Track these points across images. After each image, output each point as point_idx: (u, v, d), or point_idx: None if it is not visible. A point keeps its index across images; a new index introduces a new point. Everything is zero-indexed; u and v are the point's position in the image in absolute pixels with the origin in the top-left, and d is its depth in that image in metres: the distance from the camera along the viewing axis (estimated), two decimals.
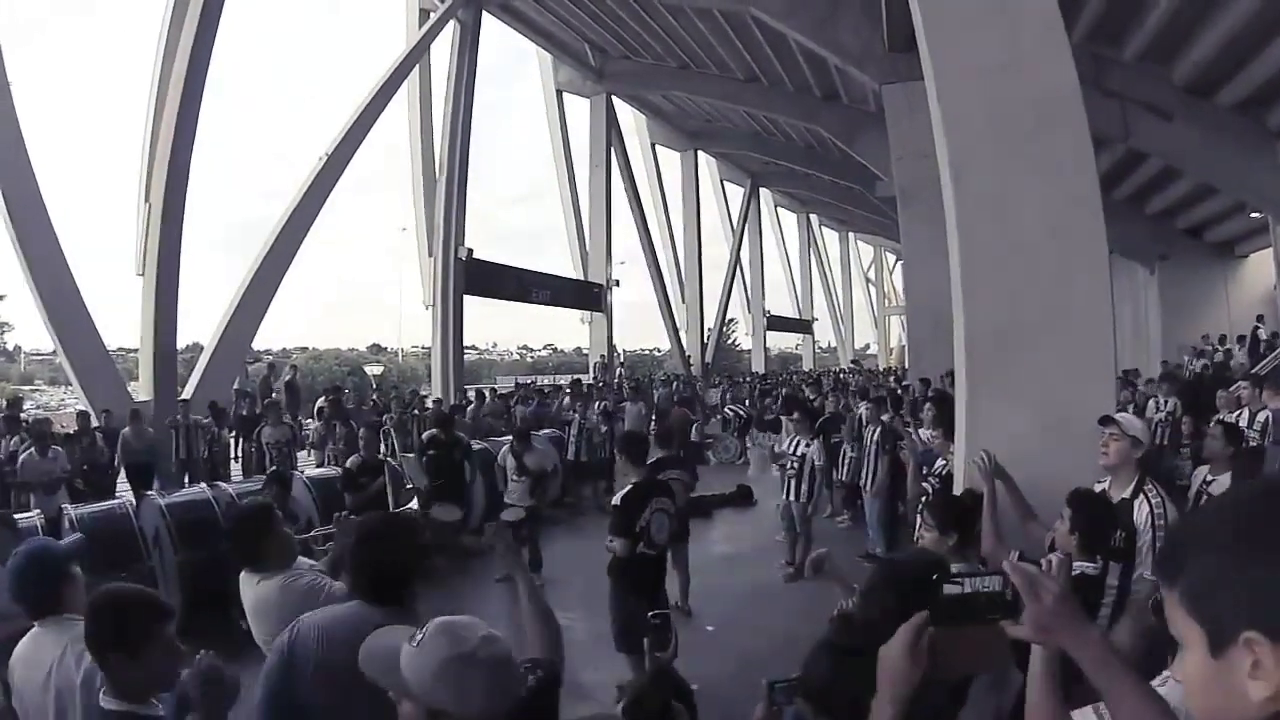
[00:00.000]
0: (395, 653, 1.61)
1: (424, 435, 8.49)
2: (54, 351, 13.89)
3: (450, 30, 19.80)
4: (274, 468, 8.54)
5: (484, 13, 20.43)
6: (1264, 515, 0.87)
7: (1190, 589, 0.90)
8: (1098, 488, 3.67)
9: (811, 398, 15.76)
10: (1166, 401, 9.89)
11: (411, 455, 8.70)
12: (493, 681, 1.58)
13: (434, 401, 14.98)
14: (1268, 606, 0.81)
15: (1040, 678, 1.33)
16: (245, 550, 3.07)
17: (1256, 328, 17.12)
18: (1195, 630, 0.88)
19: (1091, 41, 12.76)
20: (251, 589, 3.00)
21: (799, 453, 7.99)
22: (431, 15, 18.94)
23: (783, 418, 10.80)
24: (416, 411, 13.71)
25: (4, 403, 12.40)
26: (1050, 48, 4.53)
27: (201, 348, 15.91)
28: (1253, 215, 16.32)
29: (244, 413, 12.92)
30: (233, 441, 12.41)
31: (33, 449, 8.70)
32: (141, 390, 13.66)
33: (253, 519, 3.18)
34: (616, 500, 5.14)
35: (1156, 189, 18.68)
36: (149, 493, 7.93)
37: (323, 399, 12.70)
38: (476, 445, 10.31)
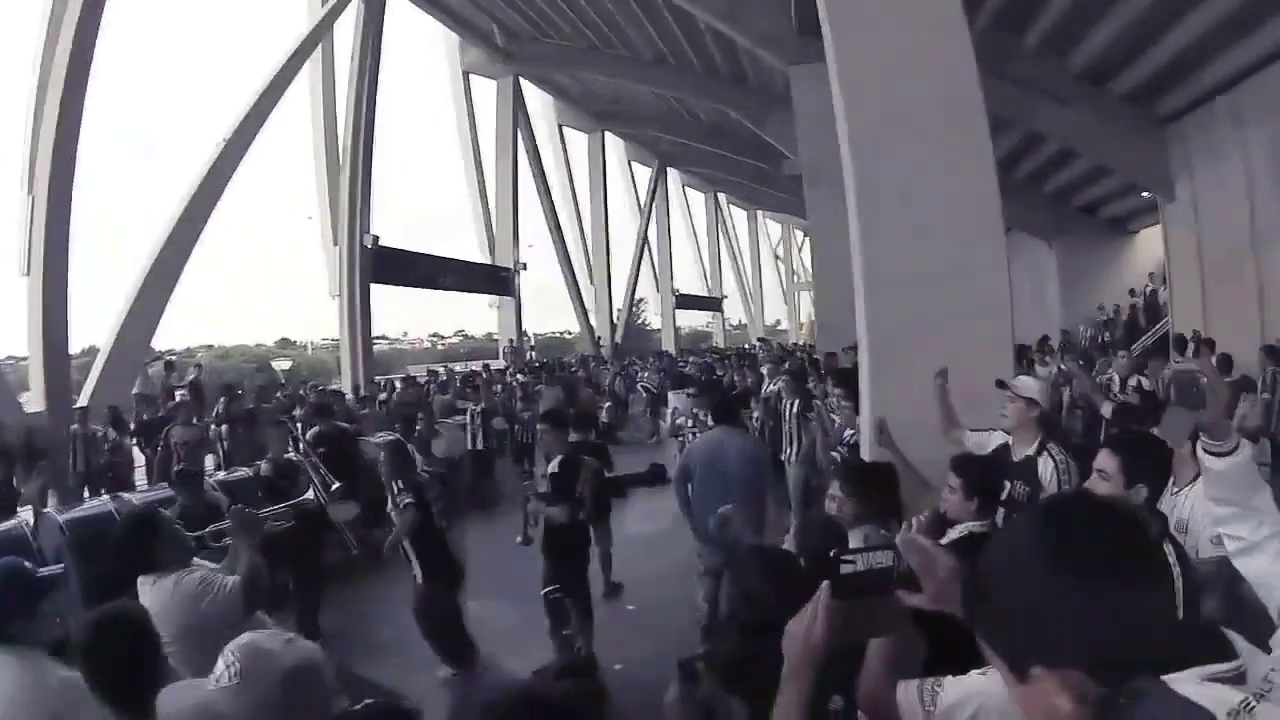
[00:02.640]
0: (206, 703, 1.63)
1: (308, 434, 8.20)
2: None
3: (354, 9, 19.16)
4: (179, 467, 8.14)
5: None
6: (1019, 560, 0.96)
7: (982, 631, 1.00)
8: (993, 442, 3.88)
9: (720, 374, 16.09)
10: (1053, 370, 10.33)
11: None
12: (319, 682, 1.68)
13: (332, 392, 14.69)
14: (1038, 642, 0.91)
15: (882, 643, 1.39)
16: (136, 555, 3.05)
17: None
18: (1000, 662, 0.98)
19: (994, 30, 13.25)
20: (148, 591, 2.98)
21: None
22: None
23: (670, 393, 10.98)
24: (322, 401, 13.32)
25: None
26: (950, 35, 4.71)
27: (99, 351, 15.09)
28: (1143, 195, 17.28)
29: (145, 417, 12.34)
30: (135, 449, 11.82)
31: None
32: (34, 400, 12.88)
33: (140, 523, 3.21)
34: (554, 468, 5.47)
35: (1054, 170, 19.63)
36: (46, 510, 7.51)
37: (220, 402, 12.20)
38: (389, 436, 10.10)
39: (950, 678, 1.30)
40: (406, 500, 5.20)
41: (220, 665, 1.62)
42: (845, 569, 1.24)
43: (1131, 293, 20.18)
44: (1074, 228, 21.76)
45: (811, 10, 5.41)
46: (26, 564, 2.65)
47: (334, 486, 7.23)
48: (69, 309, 13.20)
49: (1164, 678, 0.86)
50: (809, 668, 1.27)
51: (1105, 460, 2.70)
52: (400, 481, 5.37)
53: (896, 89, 4.73)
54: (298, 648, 1.70)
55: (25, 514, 7.82)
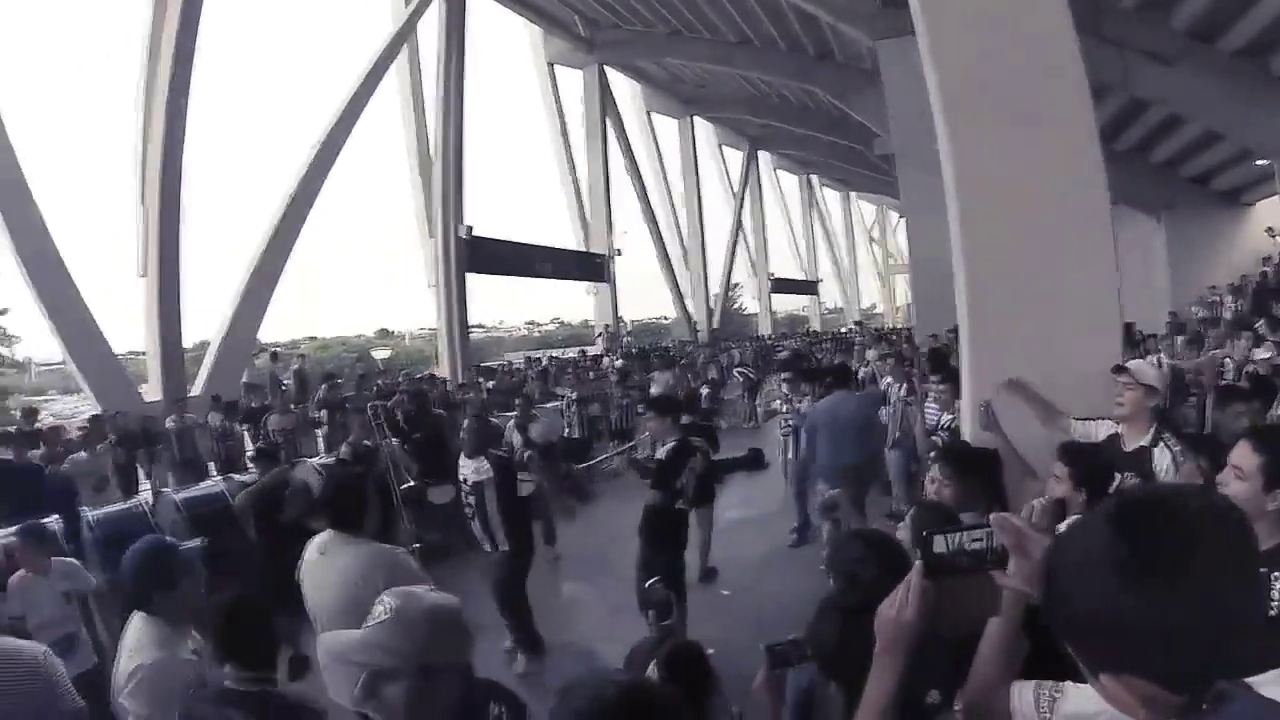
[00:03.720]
0: (362, 641, 1.84)
1: (401, 419, 8.36)
2: (63, 360, 14.02)
3: (436, 9, 19.59)
4: (258, 445, 8.50)
5: None
6: (1086, 564, 0.91)
7: (1056, 629, 0.95)
8: (1101, 432, 3.65)
9: (818, 359, 15.83)
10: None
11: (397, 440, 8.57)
12: (463, 628, 1.89)
13: (421, 379, 15.15)
14: (1104, 650, 0.87)
15: (998, 632, 1.33)
16: (346, 515, 3.31)
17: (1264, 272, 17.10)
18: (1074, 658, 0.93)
19: None
20: (346, 546, 3.23)
21: (803, 411, 7.98)
22: None
23: (774, 377, 10.83)
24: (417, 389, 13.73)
25: (19, 414, 12.48)
26: None
27: (210, 344, 16.00)
28: (1258, 163, 16.06)
29: (253, 405, 13.00)
30: (245, 435, 12.47)
31: (83, 450, 8.90)
32: (151, 391, 13.80)
33: (356, 488, 3.50)
34: (661, 455, 5.40)
35: (1160, 138, 18.41)
36: (164, 490, 7.99)
37: (320, 389, 12.74)
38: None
39: (1072, 684, 1.22)
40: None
41: (377, 608, 1.84)
42: (937, 548, 1.22)
43: (1266, 260, 18.69)
44: (1183, 200, 20.30)
45: None
46: (169, 539, 2.82)
47: (406, 485, 7.41)
48: (182, 307, 14.21)
49: (1247, 679, 0.79)
50: (900, 649, 1.25)
51: (1244, 456, 2.24)
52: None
53: (989, 56, 4.47)
54: (440, 595, 1.97)
55: (145, 494, 8.34)
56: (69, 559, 4.72)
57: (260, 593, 2.80)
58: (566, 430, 11.40)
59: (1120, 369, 3.63)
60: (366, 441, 7.70)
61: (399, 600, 1.85)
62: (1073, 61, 4.37)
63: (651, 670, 2.13)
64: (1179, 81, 13.79)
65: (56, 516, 6.84)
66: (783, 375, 8.77)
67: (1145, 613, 0.83)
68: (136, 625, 2.65)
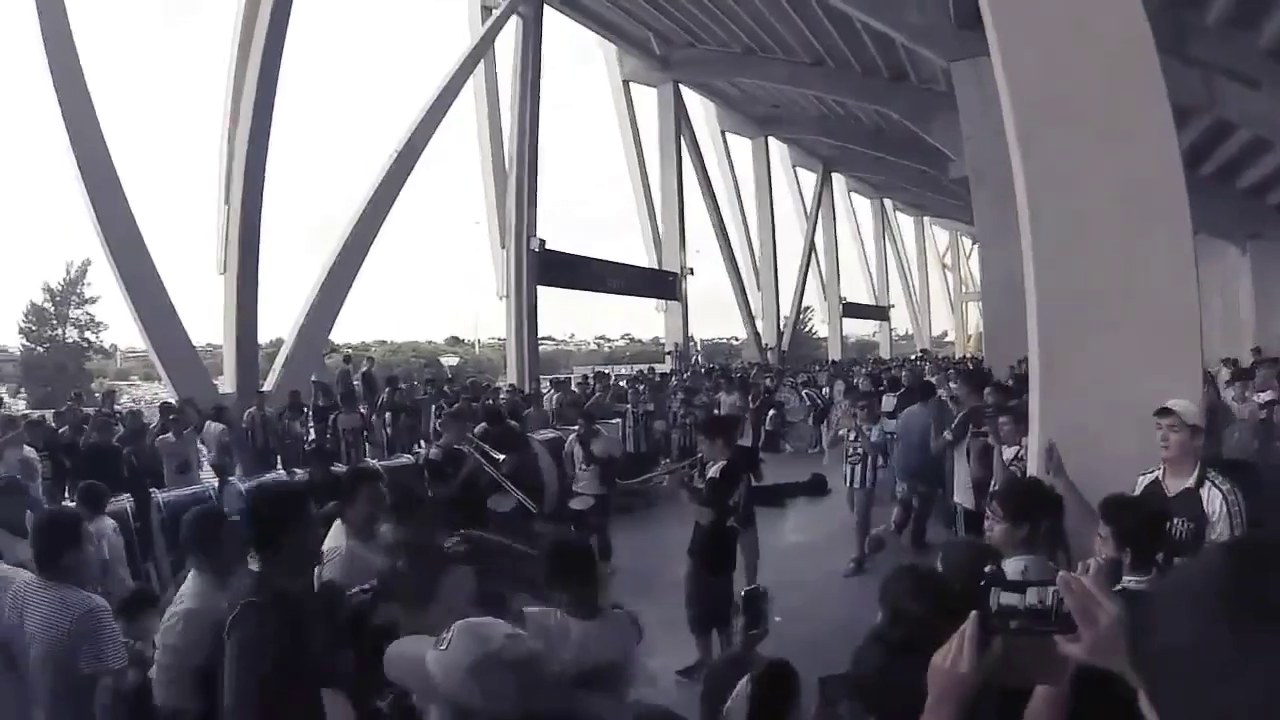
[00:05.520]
0: (420, 660, 1.71)
1: (474, 430, 8.40)
2: (146, 349, 14.65)
3: (513, 25, 19.99)
4: (313, 446, 8.63)
5: (545, 6, 20.55)
6: (1187, 600, 0.82)
7: (1138, 665, 0.87)
8: (1143, 481, 3.49)
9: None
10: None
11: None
12: (520, 679, 1.67)
13: (509, 389, 15.24)
14: (1189, 698, 0.77)
15: (1048, 693, 1.27)
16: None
17: None
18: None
19: (1172, 6, 12.08)
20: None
21: (874, 439, 7.89)
22: (494, 12, 19.17)
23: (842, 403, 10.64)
24: (489, 401, 13.84)
25: (99, 396, 13.10)
26: (1124, 12, 4.28)
27: (284, 342, 16.52)
28: None
29: (320, 404, 13.34)
30: (310, 432, 12.76)
31: (170, 433, 9.28)
32: (226, 383, 14.35)
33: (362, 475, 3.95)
34: (715, 474, 5.44)
35: (1246, 162, 17.61)
36: (231, 479, 8.25)
37: (385, 392, 12.99)
38: (549, 434, 10.39)
39: None
40: None
41: (444, 632, 1.72)
42: (997, 601, 1.16)
43: None
44: (1271, 229, 19.39)
45: (970, 2, 5.08)
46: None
47: (502, 458, 7.35)
48: (259, 304, 14.69)
49: None
50: (952, 704, 1.20)
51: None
52: None
53: (1066, 76, 4.34)
54: (513, 641, 1.73)
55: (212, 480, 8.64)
56: (106, 520, 5.15)
57: None
58: (634, 447, 11.42)
59: (1165, 411, 3.47)
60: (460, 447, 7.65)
61: (459, 636, 1.70)
62: (1153, 81, 4.20)
63: (744, 686, 2.07)
64: (1265, 103, 13.20)
65: (128, 495, 7.17)
66: (859, 402, 8.65)
67: (1237, 653, 0.74)
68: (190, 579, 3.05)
